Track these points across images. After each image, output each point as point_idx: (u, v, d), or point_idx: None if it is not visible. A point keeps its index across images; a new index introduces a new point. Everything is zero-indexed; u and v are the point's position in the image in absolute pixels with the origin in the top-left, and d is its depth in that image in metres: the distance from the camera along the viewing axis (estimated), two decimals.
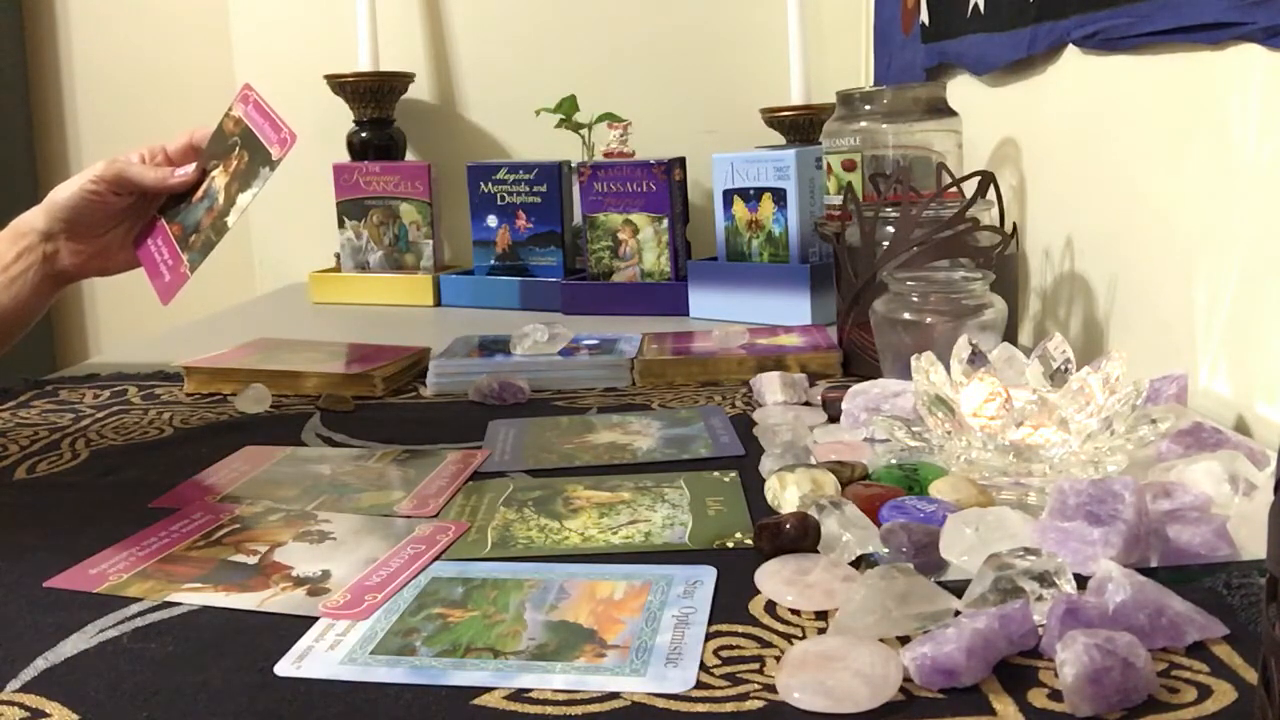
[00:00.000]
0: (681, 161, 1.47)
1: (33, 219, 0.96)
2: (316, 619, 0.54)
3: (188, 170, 0.97)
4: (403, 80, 1.77)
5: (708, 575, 0.57)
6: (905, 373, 0.73)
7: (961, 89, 1.26)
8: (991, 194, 1.04)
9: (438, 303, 1.60)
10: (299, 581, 0.58)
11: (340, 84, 1.73)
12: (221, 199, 0.94)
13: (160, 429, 0.91)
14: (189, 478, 0.77)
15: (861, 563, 0.57)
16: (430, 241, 1.64)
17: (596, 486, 0.72)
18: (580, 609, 0.54)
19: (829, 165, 1.21)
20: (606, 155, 1.51)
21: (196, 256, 0.94)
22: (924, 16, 1.38)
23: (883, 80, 1.60)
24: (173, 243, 0.96)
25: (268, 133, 0.94)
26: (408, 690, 0.46)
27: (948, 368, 0.69)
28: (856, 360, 1.01)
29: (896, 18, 1.52)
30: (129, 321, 2.14)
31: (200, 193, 0.97)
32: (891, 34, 1.55)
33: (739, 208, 1.34)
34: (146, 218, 1.00)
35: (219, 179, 0.95)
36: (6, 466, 0.81)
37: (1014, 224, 1.08)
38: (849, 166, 1.18)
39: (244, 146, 0.95)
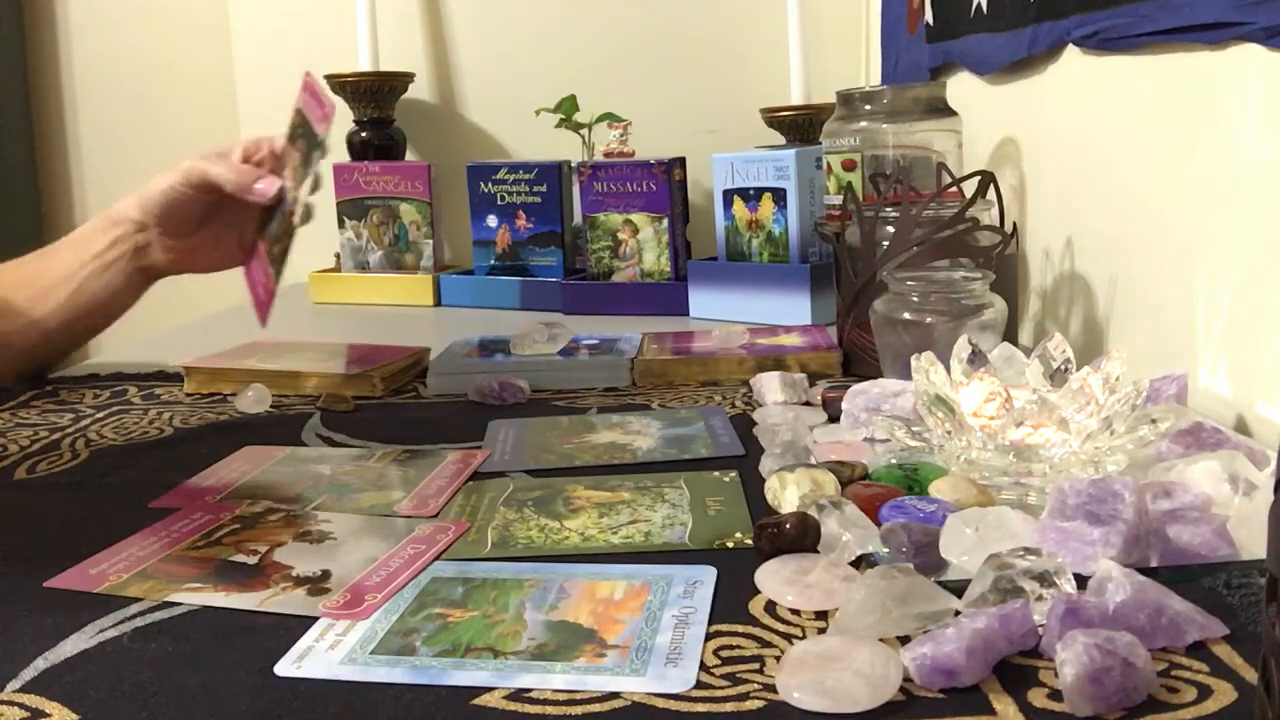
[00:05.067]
0: (681, 161, 1.46)
1: (127, 208, 0.94)
2: (316, 619, 0.53)
3: (269, 189, 0.95)
4: (403, 80, 1.77)
5: (708, 575, 0.57)
6: (905, 373, 0.73)
7: (961, 88, 1.26)
8: (991, 194, 1.04)
9: (438, 303, 1.60)
10: (299, 581, 0.58)
11: (340, 84, 1.73)
12: (291, 200, 0.93)
13: (160, 429, 0.91)
14: (189, 478, 0.77)
15: (861, 563, 0.57)
16: (430, 241, 1.64)
17: (596, 486, 0.72)
18: (580, 609, 0.54)
19: (829, 165, 1.21)
20: (606, 155, 1.51)
21: (278, 266, 0.92)
22: (929, 16, 1.38)
23: (889, 79, 1.60)
24: (264, 259, 0.95)
25: (315, 111, 0.92)
26: (408, 690, 0.46)
27: (948, 368, 0.69)
28: (856, 360, 1.01)
29: (903, 17, 1.52)
30: (129, 321, 2.12)
31: (282, 199, 0.95)
32: (898, 33, 1.55)
33: (739, 208, 1.34)
34: (241, 220, 0.98)
35: (289, 181, 0.94)
36: (6, 466, 0.81)
37: (1014, 224, 1.08)
38: (849, 166, 1.18)
39: (301, 137, 0.94)
